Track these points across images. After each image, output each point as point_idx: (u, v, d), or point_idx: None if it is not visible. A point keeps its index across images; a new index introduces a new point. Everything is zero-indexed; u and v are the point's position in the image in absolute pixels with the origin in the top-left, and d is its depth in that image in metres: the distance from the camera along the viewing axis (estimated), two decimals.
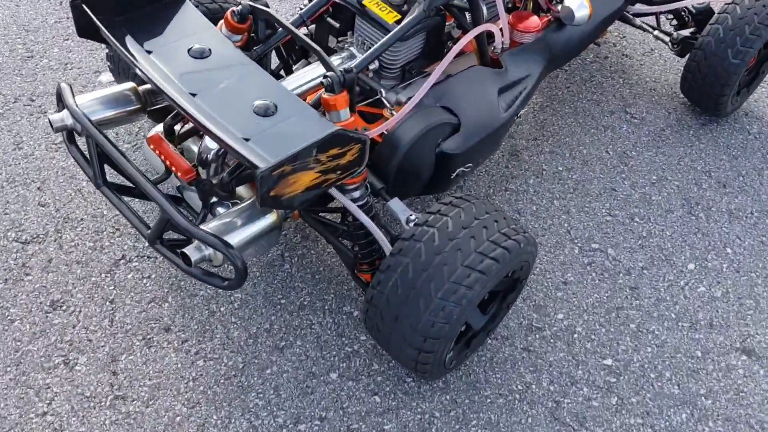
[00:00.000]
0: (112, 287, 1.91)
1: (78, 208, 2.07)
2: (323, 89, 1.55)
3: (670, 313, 2.04)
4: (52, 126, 1.57)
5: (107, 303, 1.88)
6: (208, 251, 1.45)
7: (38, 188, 2.11)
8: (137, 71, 1.51)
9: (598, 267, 2.13)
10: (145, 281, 1.93)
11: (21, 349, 1.77)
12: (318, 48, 1.58)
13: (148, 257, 1.98)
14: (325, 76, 1.53)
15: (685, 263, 2.17)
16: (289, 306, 1.93)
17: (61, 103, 1.59)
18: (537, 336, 1.95)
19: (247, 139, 1.40)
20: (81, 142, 1.63)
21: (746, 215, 2.33)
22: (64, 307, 1.86)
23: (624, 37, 2.94)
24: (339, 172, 1.46)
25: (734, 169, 2.47)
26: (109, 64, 2.15)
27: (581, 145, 2.48)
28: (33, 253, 1.96)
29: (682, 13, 2.60)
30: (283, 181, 1.34)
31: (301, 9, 1.88)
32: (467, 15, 1.93)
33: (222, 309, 1.90)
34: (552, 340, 1.94)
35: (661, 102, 2.68)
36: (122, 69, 2.07)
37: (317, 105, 1.59)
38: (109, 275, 1.93)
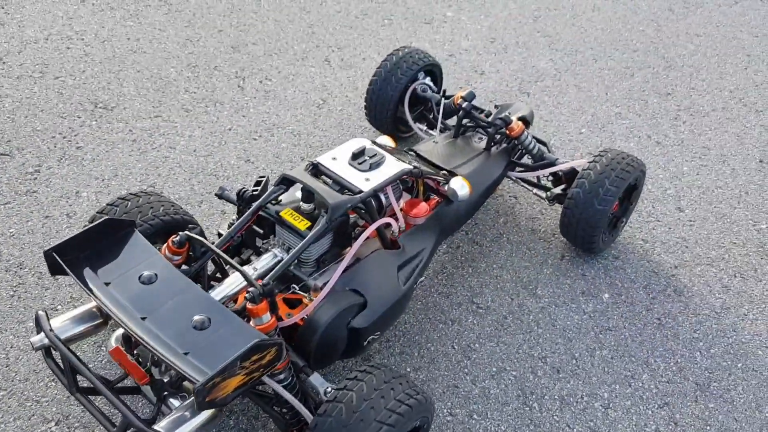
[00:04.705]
0: None
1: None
2: (246, 301, 1.94)
3: None
4: (32, 346, 1.95)
5: None
6: None
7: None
8: (99, 304, 1.89)
9: None
10: None
11: None
12: (240, 268, 2.00)
13: None
14: (247, 291, 1.94)
15: None
16: None
17: (38, 327, 1.96)
18: None
19: (186, 353, 1.76)
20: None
21: (576, 400, 2.57)
22: None
23: (476, 224, 3.26)
24: (262, 369, 1.82)
25: (569, 352, 2.73)
26: None
27: (429, 342, 2.73)
28: None
29: (557, 172, 3.10)
30: (215, 389, 1.69)
31: (231, 224, 2.38)
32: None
33: None
34: None
35: (506, 288, 2.97)
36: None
37: (245, 309, 1.99)
38: None
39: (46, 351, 2.02)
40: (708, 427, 2.51)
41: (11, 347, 2.54)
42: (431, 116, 3.42)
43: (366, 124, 3.76)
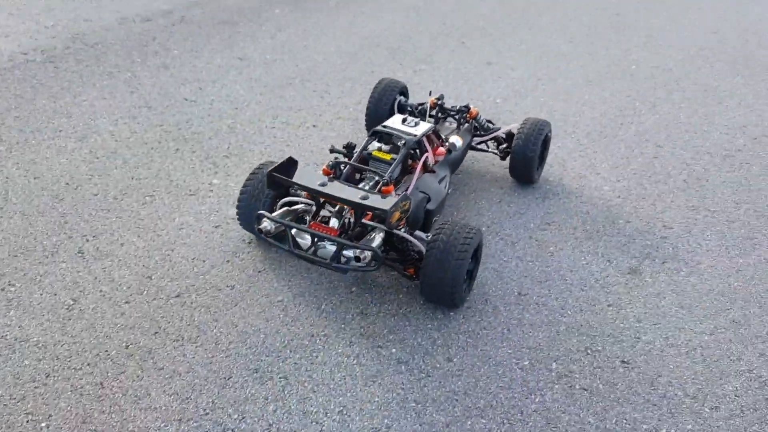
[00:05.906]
0: None
1: None
2: (381, 185, 3.61)
3: None
4: (261, 231, 3.46)
5: None
6: (365, 254, 3.31)
7: None
8: (313, 192, 3.41)
9: None
10: None
11: None
12: (374, 169, 3.76)
13: None
14: (381, 177, 3.68)
15: None
16: None
17: (258, 220, 3.46)
18: None
19: (365, 199, 3.34)
20: None
21: None
22: None
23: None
24: (403, 214, 3.42)
25: None
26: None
27: None
28: None
29: (500, 137, 5.04)
30: (390, 216, 3.25)
31: (336, 165, 3.84)
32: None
33: None
34: None
35: None
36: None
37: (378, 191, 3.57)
38: None
39: (265, 234, 3.44)
40: None
41: None
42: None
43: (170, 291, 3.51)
